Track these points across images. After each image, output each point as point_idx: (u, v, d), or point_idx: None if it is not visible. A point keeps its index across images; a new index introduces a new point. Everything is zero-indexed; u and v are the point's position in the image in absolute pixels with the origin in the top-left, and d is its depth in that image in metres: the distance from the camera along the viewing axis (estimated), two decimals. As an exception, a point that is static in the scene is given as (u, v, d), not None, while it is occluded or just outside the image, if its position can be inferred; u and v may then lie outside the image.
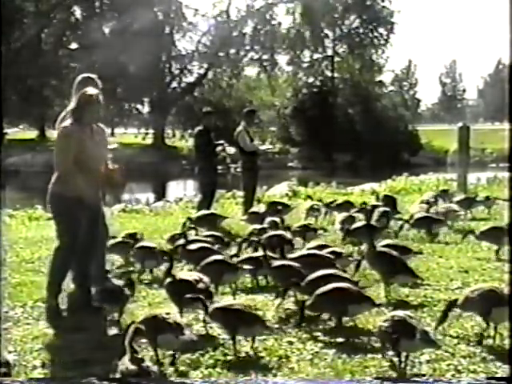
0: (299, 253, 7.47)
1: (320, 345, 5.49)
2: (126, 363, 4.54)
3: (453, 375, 4.89)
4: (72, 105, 6.73)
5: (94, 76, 7.30)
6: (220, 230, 10.46)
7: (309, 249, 7.78)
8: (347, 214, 10.55)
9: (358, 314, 5.88)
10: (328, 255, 7.27)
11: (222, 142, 12.19)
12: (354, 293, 5.81)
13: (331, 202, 12.22)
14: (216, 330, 5.77)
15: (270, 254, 7.19)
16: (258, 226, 9.33)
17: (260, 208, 12.02)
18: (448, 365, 5.04)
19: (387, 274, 6.81)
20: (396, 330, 4.87)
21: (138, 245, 8.10)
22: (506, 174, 18.65)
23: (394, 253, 7.10)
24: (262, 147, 14.17)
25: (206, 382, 4.83)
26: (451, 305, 5.59)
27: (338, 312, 5.78)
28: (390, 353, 5.05)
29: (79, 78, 7.27)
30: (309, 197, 13.53)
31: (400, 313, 5.09)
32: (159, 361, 5.04)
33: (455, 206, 11.54)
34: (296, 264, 6.75)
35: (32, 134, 47.44)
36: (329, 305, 5.78)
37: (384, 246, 7.74)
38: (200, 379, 4.86)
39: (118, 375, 4.54)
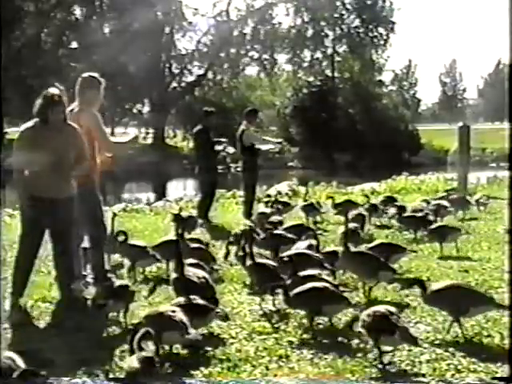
0: (289, 252, 7.40)
1: (320, 345, 5.49)
2: (131, 362, 4.53)
3: (453, 375, 4.88)
4: (36, 105, 6.48)
5: (96, 75, 7.28)
6: (219, 229, 10.44)
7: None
8: (355, 213, 10.38)
9: (333, 314, 5.88)
10: (316, 255, 7.24)
11: (223, 140, 12.15)
12: (330, 292, 5.80)
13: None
14: (216, 329, 5.77)
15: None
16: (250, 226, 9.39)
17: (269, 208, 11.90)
18: (448, 365, 5.04)
19: (365, 276, 6.82)
20: (377, 326, 4.91)
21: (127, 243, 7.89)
22: (506, 174, 18.64)
23: (369, 253, 7.09)
24: (268, 146, 14.07)
25: (206, 382, 4.83)
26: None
27: (313, 311, 5.79)
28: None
29: (83, 76, 7.25)
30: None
31: (381, 308, 5.11)
32: (160, 358, 5.04)
33: (445, 203, 11.59)
34: (272, 263, 6.79)
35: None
36: (304, 303, 5.81)
37: (377, 246, 7.74)
38: (200, 379, 4.86)
39: (122, 374, 4.55)
